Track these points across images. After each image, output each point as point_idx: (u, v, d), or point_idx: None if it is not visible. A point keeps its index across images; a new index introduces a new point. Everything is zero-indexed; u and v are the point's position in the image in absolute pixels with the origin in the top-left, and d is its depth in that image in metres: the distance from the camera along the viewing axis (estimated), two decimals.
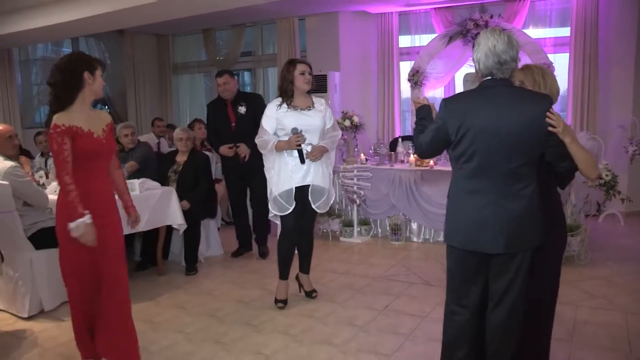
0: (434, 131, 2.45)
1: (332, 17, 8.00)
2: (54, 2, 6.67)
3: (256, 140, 3.91)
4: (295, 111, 3.80)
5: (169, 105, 10.26)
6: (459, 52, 7.32)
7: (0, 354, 3.35)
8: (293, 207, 3.80)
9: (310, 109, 3.83)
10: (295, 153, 3.77)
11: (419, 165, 5.67)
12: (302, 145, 3.75)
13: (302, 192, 3.83)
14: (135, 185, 4.47)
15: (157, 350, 3.33)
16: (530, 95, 2.37)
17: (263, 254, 5.23)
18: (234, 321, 3.75)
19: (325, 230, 5.98)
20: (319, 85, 7.42)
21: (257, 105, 4.88)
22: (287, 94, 3.81)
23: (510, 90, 2.37)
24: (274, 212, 3.88)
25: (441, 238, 5.43)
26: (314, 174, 3.82)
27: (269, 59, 9.25)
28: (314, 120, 3.80)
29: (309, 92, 3.88)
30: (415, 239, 5.75)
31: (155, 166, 5.27)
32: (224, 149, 5.04)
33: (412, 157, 5.82)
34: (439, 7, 7.46)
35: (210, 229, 5.38)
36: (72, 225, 2.58)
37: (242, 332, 3.58)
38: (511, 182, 2.32)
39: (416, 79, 7.46)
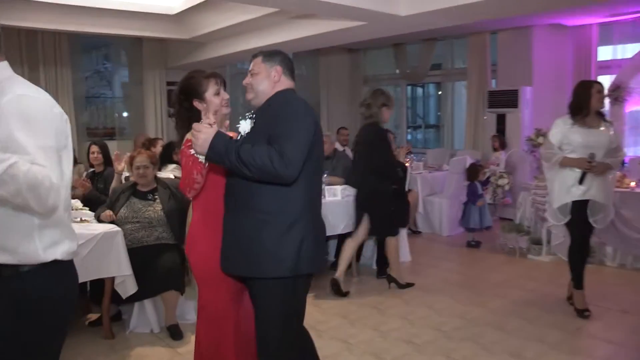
0: None
1: (525, 31, 7.93)
2: (261, 28, 7.48)
3: (541, 151, 4.31)
4: (583, 128, 3.97)
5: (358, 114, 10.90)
6: None
7: None
8: (567, 219, 4.06)
9: (599, 127, 4.01)
10: (578, 170, 3.97)
11: (617, 187, 5.43)
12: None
13: (582, 206, 4.02)
14: (338, 192, 5.00)
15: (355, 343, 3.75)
16: None
17: None
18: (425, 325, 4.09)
19: (512, 247, 6.00)
20: (510, 101, 7.42)
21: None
22: (581, 112, 3.97)
23: None
24: (552, 222, 4.25)
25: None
26: (596, 189, 3.98)
27: (458, 73, 9.41)
28: (602, 138, 3.98)
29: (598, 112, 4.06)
30: (609, 263, 5.52)
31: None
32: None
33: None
34: None
35: (401, 236, 5.68)
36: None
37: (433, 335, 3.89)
38: None
39: (617, 94, 7.12)
